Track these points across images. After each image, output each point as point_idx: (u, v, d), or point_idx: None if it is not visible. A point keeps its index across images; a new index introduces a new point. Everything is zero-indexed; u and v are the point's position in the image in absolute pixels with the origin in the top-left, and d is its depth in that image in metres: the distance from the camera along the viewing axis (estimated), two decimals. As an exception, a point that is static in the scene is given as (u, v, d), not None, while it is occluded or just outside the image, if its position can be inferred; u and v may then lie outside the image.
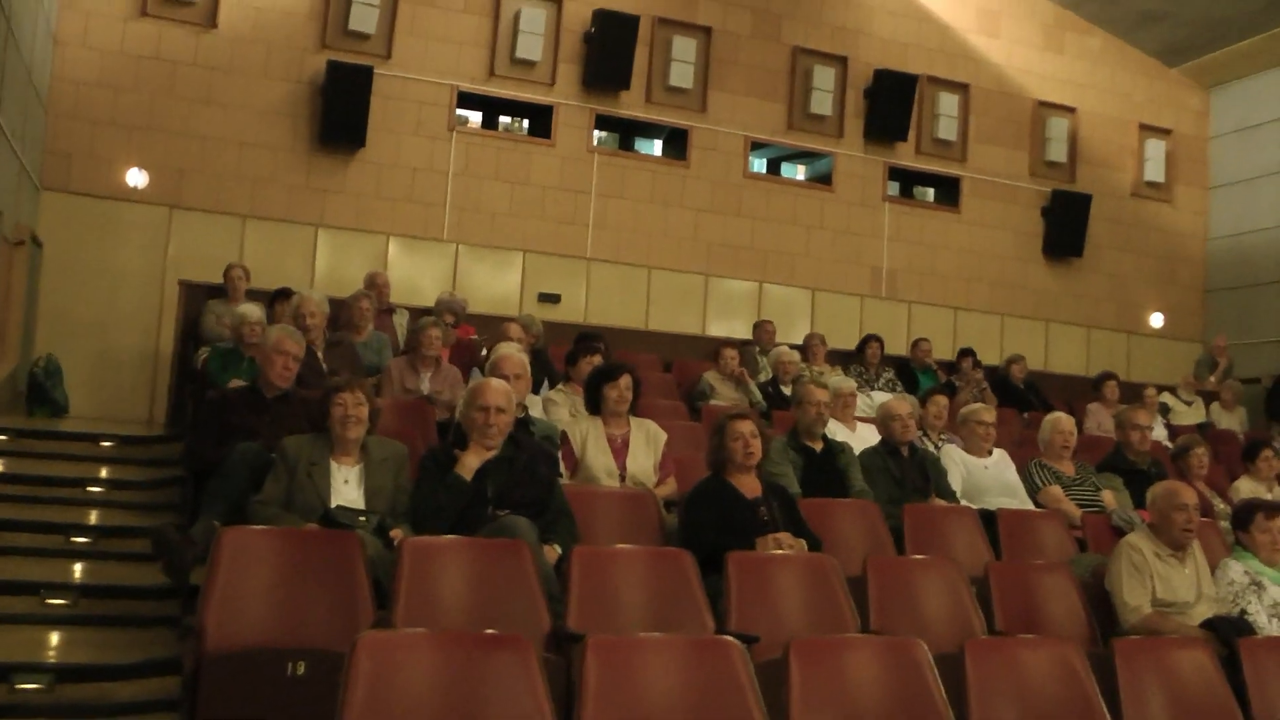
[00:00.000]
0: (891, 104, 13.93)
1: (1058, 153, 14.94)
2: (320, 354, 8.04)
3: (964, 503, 7.00)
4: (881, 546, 6.08)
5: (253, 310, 8.29)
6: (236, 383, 7.16)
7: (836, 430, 7.59)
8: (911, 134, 14.20)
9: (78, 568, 6.59)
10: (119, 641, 5.65)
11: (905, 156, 14.33)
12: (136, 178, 11.25)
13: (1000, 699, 4.05)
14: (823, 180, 14.15)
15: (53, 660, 5.36)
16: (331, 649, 3.97)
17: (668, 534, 5.75)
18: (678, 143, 13.51)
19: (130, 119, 11.34)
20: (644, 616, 4.67)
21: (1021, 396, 11.95)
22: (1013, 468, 7.44)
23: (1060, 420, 7.53)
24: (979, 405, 7.95)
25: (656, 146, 13.73)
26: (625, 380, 6.35)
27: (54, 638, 5.70)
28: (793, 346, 10.89)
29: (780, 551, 5.24)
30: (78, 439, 9.07)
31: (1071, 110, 15.14)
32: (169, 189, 11.41)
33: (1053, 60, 15.13)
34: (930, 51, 14.45)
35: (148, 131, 11.39)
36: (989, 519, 6.57)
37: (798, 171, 14.61)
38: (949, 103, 14.44)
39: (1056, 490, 7.22)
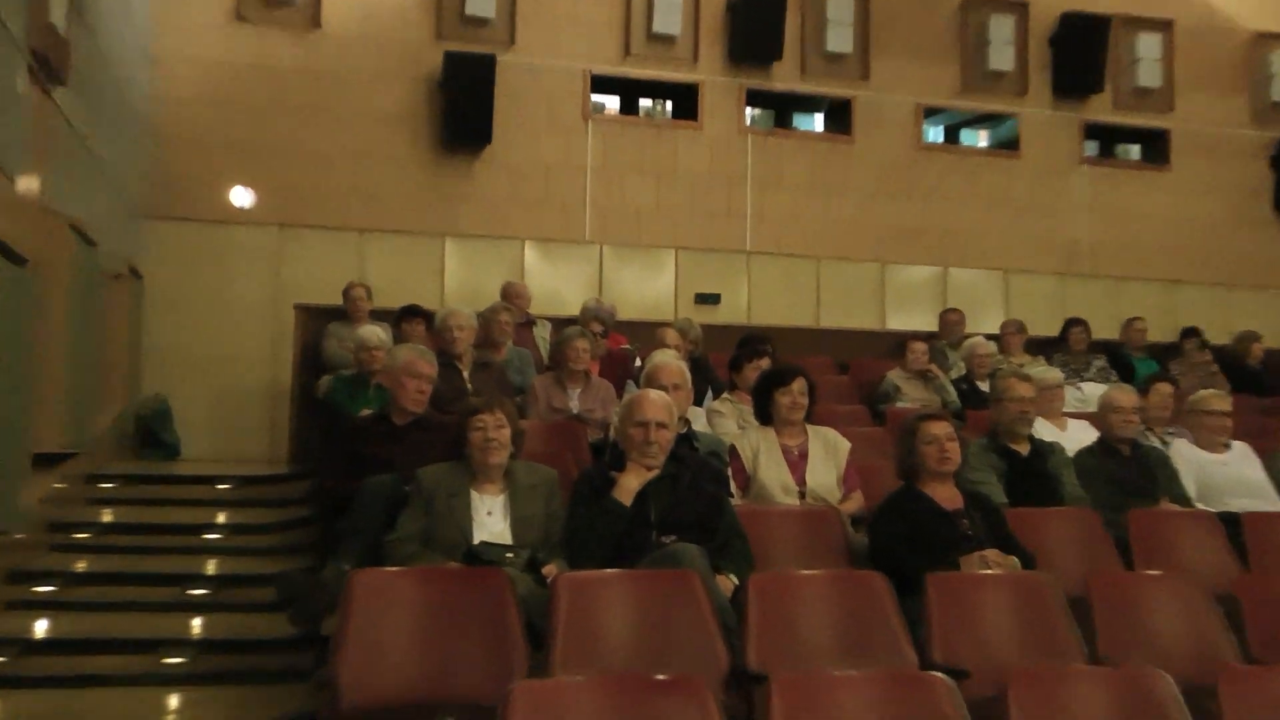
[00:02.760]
0: (1082, 52, 13.56)
1: (1283, 91, 14.40)
2: (466, 374, 8.10)
3: (1200, 506, 6.82)
4: (1104, 561, 5.95)
5: (374, 333, 8.37)
6: (366, 412, 7.24)
7: (1043, 429, 7.41)
8: (1108, 85, 13.81)
9: (196, 622, 6.71)
10: (245, 699, 5.75)
11: (1102, 111, 13.94)
12: (243, 197, 11.46)
13: (1262, 740, 3.86)
14: (1008, 146, 13.86)
15: (172, 725, 5.45)
16: (483, 701, 3.97)
17: (855, 554, 5.68)
18: (840, 116, 13.35)
19: (233, 135, 11.51)
20: (834, 650, 4.60)
21: (1258, 379, 11.58)
22: (1257, 463, 7.23)
23: (1314, 403, 7.27)
24: (1210, 392, 7.73)
25: (817, 121, 13.61)
26: (799, 384, 6.31)
27: (173, 700, 5.79)
28: (986, 337, 10.71)
29: (988, 571, 5.11)
30: (191, 482, 9.27)
31: (1295, 41, 14.57)
32: (278, 207, 11.59)
33: (1269, -17, 14.61)
34: (1123, -12, 14.07)
35: (252, 147, 11.56)
36: (1231, 524, 6.37)
37: (978, 138, 14.35)
38: (1149, 44, 13.98)
39: (1313, 485, 6.98)
